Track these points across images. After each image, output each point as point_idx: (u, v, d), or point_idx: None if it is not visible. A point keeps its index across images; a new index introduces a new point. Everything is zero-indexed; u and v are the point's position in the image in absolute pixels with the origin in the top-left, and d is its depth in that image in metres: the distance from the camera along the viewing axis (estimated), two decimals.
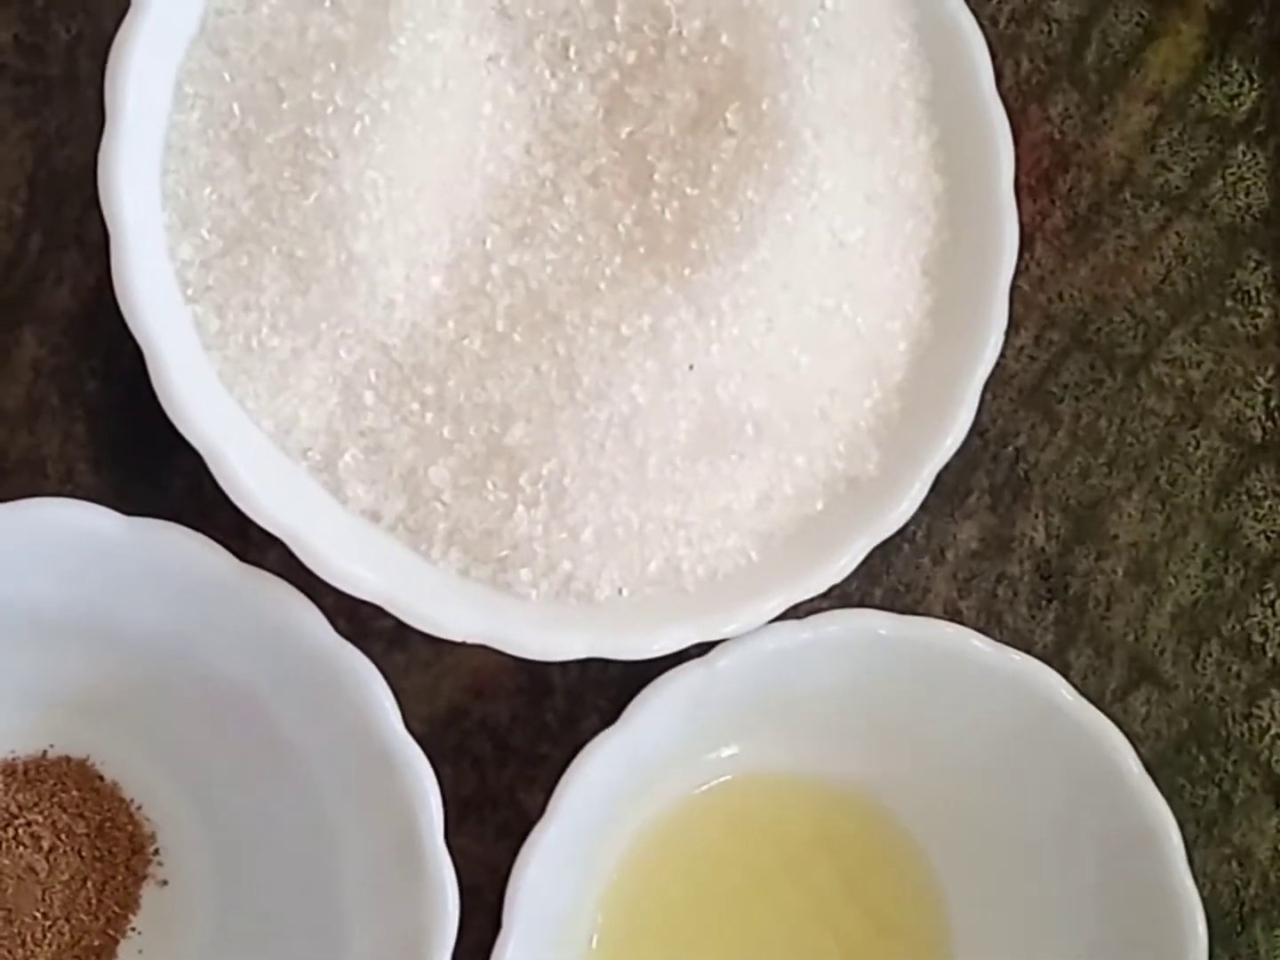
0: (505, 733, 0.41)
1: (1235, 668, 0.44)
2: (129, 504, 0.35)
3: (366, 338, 0.35)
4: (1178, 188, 0.46)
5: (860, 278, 0.37)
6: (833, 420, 0.38)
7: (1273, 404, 0.45)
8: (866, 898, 0.42)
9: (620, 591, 0.36)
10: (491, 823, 0.41)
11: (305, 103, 0.34)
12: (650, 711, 0.36)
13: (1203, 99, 0.46)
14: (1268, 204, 0.46)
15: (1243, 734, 0.44)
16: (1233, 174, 0.46)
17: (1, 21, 0.40)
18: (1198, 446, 0.45)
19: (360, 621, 0.40)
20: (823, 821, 0.42)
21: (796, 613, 0.37)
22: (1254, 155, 0.46)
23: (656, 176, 0.36)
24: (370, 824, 0.36)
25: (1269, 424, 0.45)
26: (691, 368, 0.35)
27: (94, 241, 0.40)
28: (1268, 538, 0.45)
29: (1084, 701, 0.39)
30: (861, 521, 0.37)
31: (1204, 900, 0.39)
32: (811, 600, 0.38)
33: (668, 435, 0.35)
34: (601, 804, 0.37)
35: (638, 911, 0.41)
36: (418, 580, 0.35)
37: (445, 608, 0.34)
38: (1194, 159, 0.46)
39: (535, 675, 0.42)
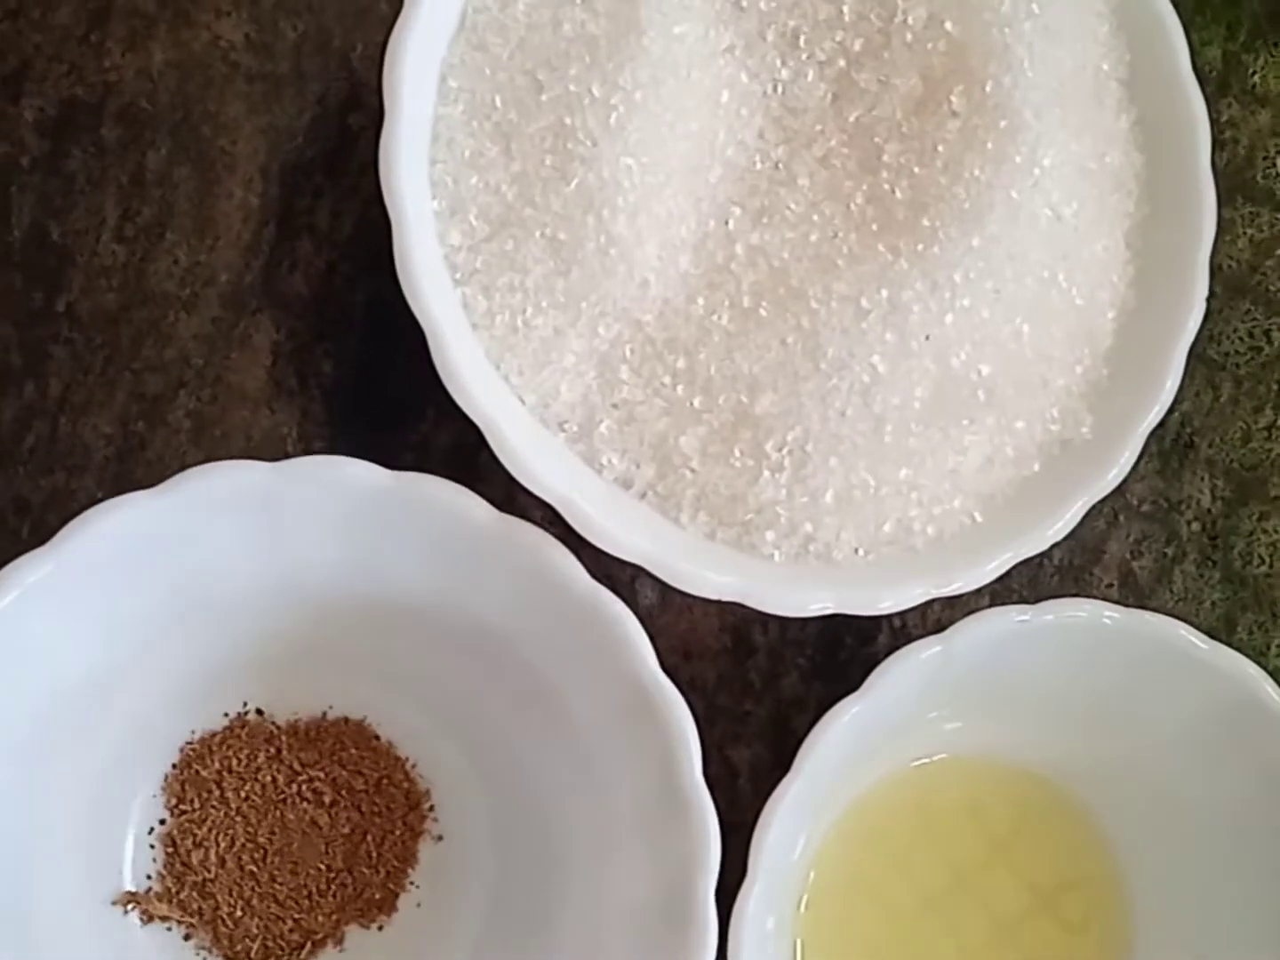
0: (713, 691, 0.43)
1: None
2: None
3: (623, 315, 0.37)
4: None
5: (1074, 250, 0.39)
6: (1050, 386, 0.39)
7: None
8: (1056, 901, 0.43)
9: (856, 551, 0.38)
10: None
11: (563, 94, 0.36)
12: (890, 682, 0.37)
13: None
14: None
15: None
16: None
17: (233, 22, 0.42)
18: None
19: None
20: (1023, 812, 0.43)
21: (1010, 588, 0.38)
22: None
23: (885, 157, 0.38)
24: (634, 764, 0.37)
25: None
26: (927, 338, 0.37)
27: (323, 230, 0.42)
28: None
29: None
30: (1077, 482, 0.39)
31: None
32: None
33: (905, 402, 0.37)
34: (833, 767, 0.38)
35: (845, 880, 0.42)
36: (669, 543, 0.37)
37: (702, 567, 0.36)
38: None
39: (738, 636, 0.43)
